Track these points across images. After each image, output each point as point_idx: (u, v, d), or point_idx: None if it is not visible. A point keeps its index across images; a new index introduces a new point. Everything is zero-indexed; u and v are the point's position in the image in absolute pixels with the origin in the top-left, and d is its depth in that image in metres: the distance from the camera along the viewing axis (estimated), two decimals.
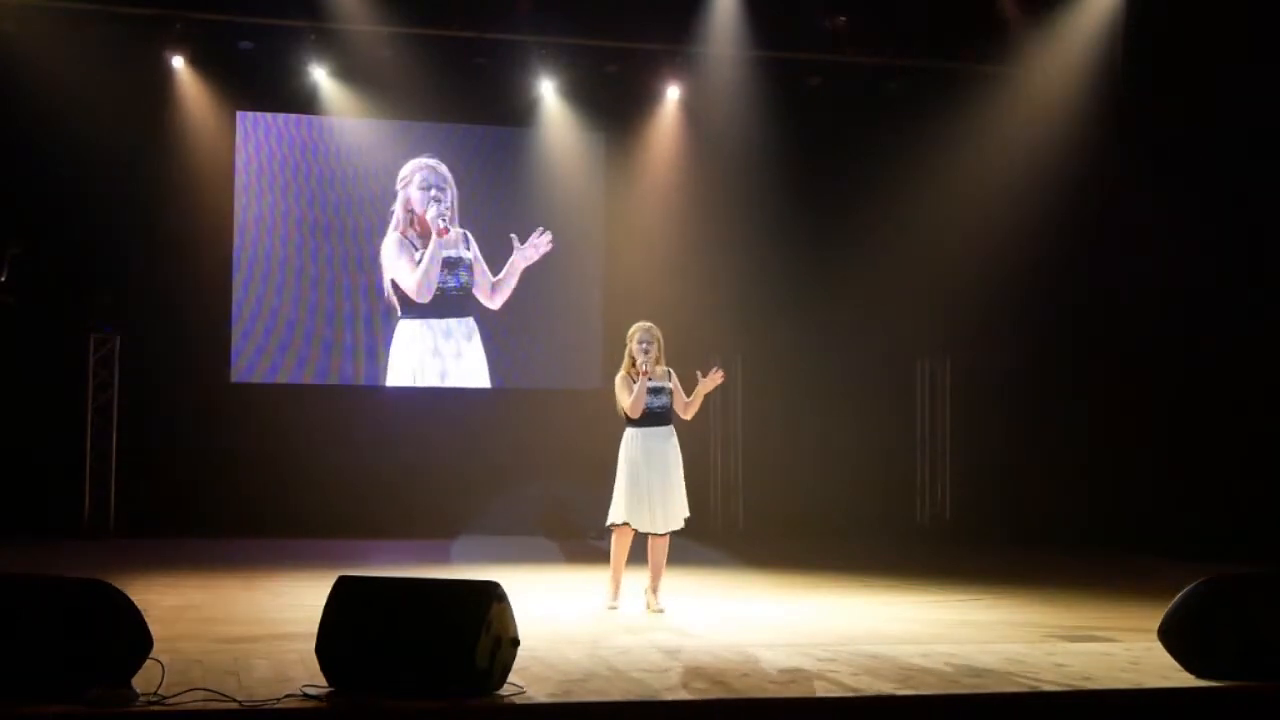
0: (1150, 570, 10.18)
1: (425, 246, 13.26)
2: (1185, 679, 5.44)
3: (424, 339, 13.38)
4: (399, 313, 13.34)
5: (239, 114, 13.29)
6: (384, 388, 13.39)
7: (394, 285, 13.33)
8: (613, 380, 7.86)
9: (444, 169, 13.49)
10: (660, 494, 7.63)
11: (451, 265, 13.33)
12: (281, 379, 13.28)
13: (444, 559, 10.97)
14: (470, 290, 13.43)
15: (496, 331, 13.57)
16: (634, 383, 7.65)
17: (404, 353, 13.36)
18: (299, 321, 13.31)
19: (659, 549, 7.71)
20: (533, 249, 13.35)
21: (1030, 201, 12.78)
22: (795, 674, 5.53)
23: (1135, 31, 12.22)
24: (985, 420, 13.72)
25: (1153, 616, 5.88)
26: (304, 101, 13.33)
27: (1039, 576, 9.92)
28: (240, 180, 13.27)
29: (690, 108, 13.95)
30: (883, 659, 5.91)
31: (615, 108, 13.87)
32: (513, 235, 13.31)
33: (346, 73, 13.21)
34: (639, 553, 7.77)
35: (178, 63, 12.81)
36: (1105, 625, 7.30)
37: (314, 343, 13.32)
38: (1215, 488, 11.10)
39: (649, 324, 7.77)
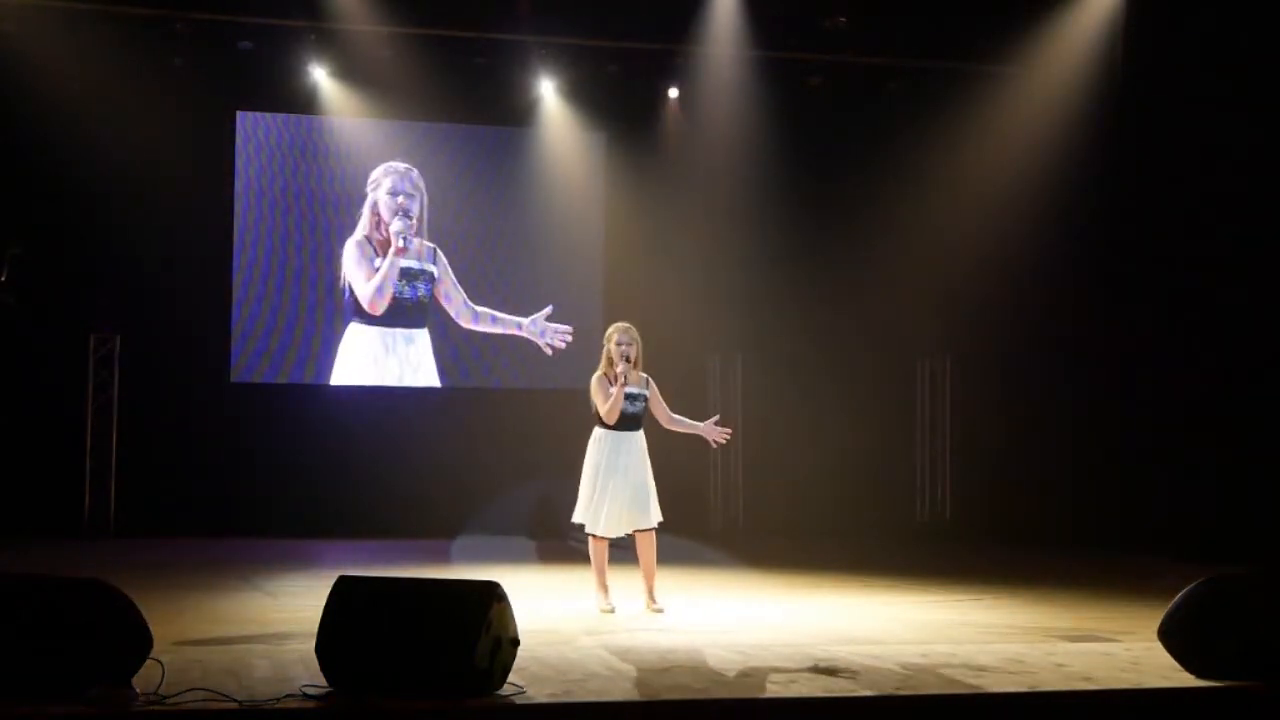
0: (1150, 570, 10.17)
1: (385, 256, 13.02)
2: (1185, 679, 5.44)
3: (374, 345, 13.15)
4: (352, 316, 13.16)
5: (239, 114, 13.30)
6: (385, 388, 13.37)
7: (350, 289, 13.20)
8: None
9: (415, 174, 13.29)
10: (621, 497, 7.48)
11: (411, 276, 13.08)
12: (281, 379, 13.28)
13: (444, 559, 10.97)
14: (426, 304, 13.20)
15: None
16: (611, 385, 7.49)
17: (351, 356, 13.17)
18: (299, 321, 13.30)
19: (645, 550, 7.59)
20: (545, 331, 12.77)
21: (1030, 201, 12.79)
22: (795, 674, 5.52)
23: (1135, 31, 12.23)
24: (985, 420, 13.72)
25: (1153, 616, 5.88)
26: (304, 101, 13.34)
27: (1039, 576, 9.91)
28: (240, 180, 13.28)
29: (690, 108, 13.96)
30: (883, 659, 5.91)
31: (615, 108, 13.88)
32: (549, 307, 12.72)
33: (346, 73, 13.22)
34: (632, 555, 7.75)
35: (178, 63, 12.81)
36: (1105, 625, 7.29)
37: (314, 343, 13.32)
38: (1216, 488, 11.09)
39: (628, 325, 7.63)
